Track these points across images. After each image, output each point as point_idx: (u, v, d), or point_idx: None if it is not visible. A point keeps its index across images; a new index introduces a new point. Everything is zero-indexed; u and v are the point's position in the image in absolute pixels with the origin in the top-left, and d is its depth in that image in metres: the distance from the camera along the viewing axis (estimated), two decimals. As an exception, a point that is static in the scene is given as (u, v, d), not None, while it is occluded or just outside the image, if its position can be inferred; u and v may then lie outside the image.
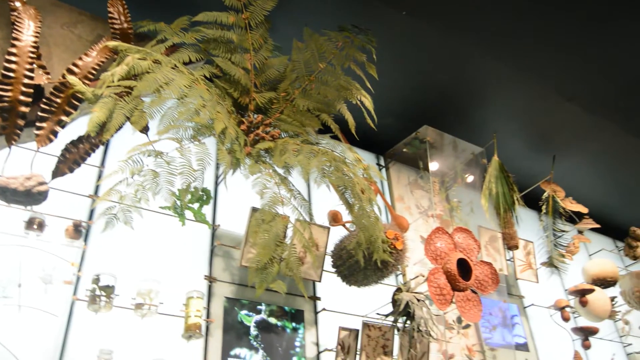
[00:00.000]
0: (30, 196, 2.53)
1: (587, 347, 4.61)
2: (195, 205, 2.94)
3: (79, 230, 2.81)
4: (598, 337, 4.83)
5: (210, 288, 3.12)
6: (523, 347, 4.44)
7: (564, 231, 4.81)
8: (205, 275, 3.15)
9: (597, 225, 5.11)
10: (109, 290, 2.68)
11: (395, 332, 3.34)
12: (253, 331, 3.17)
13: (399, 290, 3.33)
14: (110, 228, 2.53)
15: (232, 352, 3.02)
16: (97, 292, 2.66)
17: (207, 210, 3.06)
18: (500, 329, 4.33)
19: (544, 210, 4.81)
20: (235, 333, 3.09)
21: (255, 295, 2.71)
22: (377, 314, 3.39)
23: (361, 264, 2.95)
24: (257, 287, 2.69)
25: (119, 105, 2.61)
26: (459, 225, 3.81)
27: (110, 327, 2.72)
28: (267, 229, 2.73)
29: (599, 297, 4.67)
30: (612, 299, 4.89)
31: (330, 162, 2.80)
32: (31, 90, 2.48)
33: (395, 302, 3.27)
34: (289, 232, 2.89)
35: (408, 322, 3.25)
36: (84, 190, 2.99)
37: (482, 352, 3.99)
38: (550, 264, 4.80)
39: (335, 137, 3.03)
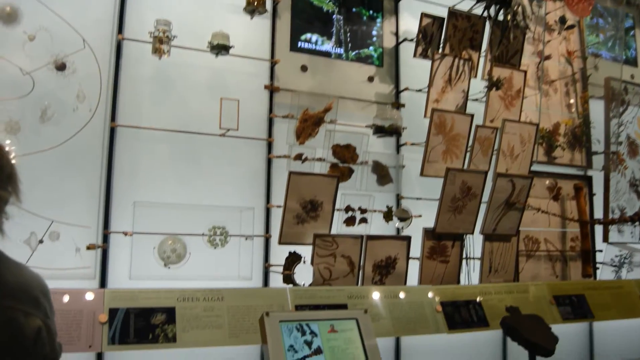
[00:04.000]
0: None
1: None
2: None
3: None
4: None
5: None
6: (632, 61, 3.91)
7: None
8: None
9: None
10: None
11: (487, 23, 2.94)
12: (325, 16, 2.88)
13: (495, -26, 2.83)
14: None
15: (303, 37, 2.79)
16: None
17: None
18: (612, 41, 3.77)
19: None
20: (305, 17, 2.81)
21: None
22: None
23: None
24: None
25: None
26: None
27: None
28: None
29: None
30: None
31: None
32: None
33: (489, -13, 2.81)
34: None
35: (502, 11, 2.82)
36: None
37: (584, 58, 3.52)
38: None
39: None
